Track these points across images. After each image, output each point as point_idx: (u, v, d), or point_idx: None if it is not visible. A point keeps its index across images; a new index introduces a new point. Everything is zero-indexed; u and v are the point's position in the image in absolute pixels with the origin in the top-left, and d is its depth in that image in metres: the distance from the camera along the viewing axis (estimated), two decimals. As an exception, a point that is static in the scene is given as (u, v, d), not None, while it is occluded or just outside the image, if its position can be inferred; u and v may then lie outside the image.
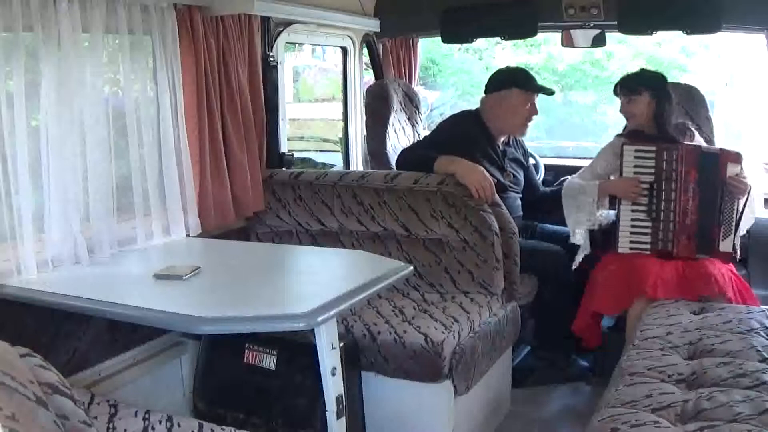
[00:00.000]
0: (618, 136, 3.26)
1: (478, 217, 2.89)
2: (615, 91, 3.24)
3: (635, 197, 3.04)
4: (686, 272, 2.91)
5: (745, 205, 3.01)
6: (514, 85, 3.35)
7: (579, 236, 3.18)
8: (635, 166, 3.06)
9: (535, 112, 3.39)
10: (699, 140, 3.25)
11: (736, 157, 3.01)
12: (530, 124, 3.42)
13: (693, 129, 3.28)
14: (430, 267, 3.00)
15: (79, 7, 2.29)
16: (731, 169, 2.98)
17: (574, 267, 3.19)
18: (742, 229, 3.08)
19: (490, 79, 3.47)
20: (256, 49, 3.09)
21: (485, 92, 3.45)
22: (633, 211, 3.06)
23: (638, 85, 3.14)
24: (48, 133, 2.27)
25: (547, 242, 3.46)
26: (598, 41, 3.95)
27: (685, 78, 6.80)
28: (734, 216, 3.00)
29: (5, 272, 2.17)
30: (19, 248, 2.18)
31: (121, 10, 2.45)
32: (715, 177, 2.98)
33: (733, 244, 3.01)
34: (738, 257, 3.09)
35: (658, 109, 3.13)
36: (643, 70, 3.27)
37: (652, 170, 3.04)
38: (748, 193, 3.00)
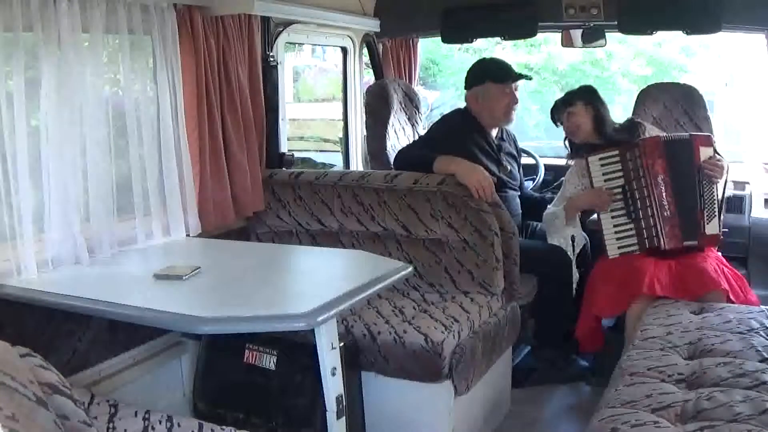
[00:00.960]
0: (572, 158, 3.31)
1: (478, 217, 2.89)
2: (553, 119, 3.33)
3: (606, 206, 3.08)
4: (678, 270, 2.92)
5: (725, 185, 3.04)
6: (487, 78, 3.37)
7: (570, 252, 3.24)
8: (604, 174, 3.10)
9: (516, 101, 3.40)
10: (655, 132, 3.27)
11: (707, 140, 3.05)
12: (514, 112, 3.42)
13: (645, 123, 3.32)
14: (430, 267, 2.99)
15: (79, 7, 2.29)
16: (704, 152, 3.00)
17: (575, 284, 3.23)
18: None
19: (467, 74, 3.49)
20: (256, 49, 3.09)
21: (465, 88, 3.47)
22: (613, 217, 3.09)
23: (570, 98, 3.26)
24: (48, 133, 2.27)
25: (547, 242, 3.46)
26: (589, 38, 3.93)
27: (685, 78, 6.81)
28: (715, 198, 3.02)
29: (5, 272, 2.17)
30: (19, 248, 2.18)
31: (121, 10, 2.45)
32: (688, 162, 3.02)
33: (719, 225, 3.03)
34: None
35: (597, 113, 3.21)
36: (573, 89, 3.39)
37: (621, 173, 3.07)
38: (727, 172, 3.03)
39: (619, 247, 3.07)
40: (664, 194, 3.03)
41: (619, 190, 3.07)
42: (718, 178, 3.01)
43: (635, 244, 3.06)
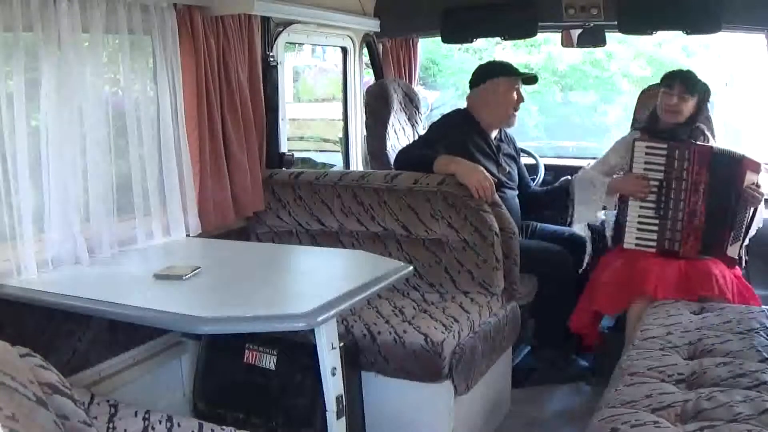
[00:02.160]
0: (635, 130, 3.26)
1: (478, 217, 2.89)
2: (666, 83, 3.11)
3: (644, 196, 3.04)
4: (688, 271, 2.90)
5: (754, 214, 3.01)
6: (495, 74, 3.38)
7: (579, 228, 3.21)
8: (645, 163, 3.05)
9: (521, 100, 3.41)
10: (712, 143, 3.24)
11: (757, 167, 2.99)
12: (516, 113, 3.42)
13: (707, 133, 3.26)
14: (430, 267, 2.99)
15: (79, 7, 2.29)
16: (750, 177, 2.96)
17: (580, 270, 3.20)
18: (751, 232, 3.08)
19: (473, 74, 3.49)
20: (256, 49, 3.09)
21: (470, 88, 3.46)
22: (641, 207, 3.05)
23: (695, 87, 3.10)
24: (48, 133, 2.27)
25: (547, 242, 3.47)
26: (585, 41, 3.92)
27: (685, 78, 6.78)
28: (745, 223, 3.00)
29: (5, 272, 2.17)
30: (19, 248, 2.18)
31: (121, 10, 2.45)
32: (730, 181, 2.97)
33: (740, 250, 3.01)
34: (744, 264, 3.09)
35: (696, 115, 3.12)
36: (695, 74, 3.19)
37: (662, 168, 3.03)
38: (760, 204, 3.00)
39: (637, 238, 3.04)
40: (699, 203, 2.99)
41: (656, 183, 3.04)
42: (755, 204, 2.98)
43: (654, 240, 3.03)
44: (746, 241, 3.07)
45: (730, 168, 2.98)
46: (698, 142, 3.11)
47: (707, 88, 3.17)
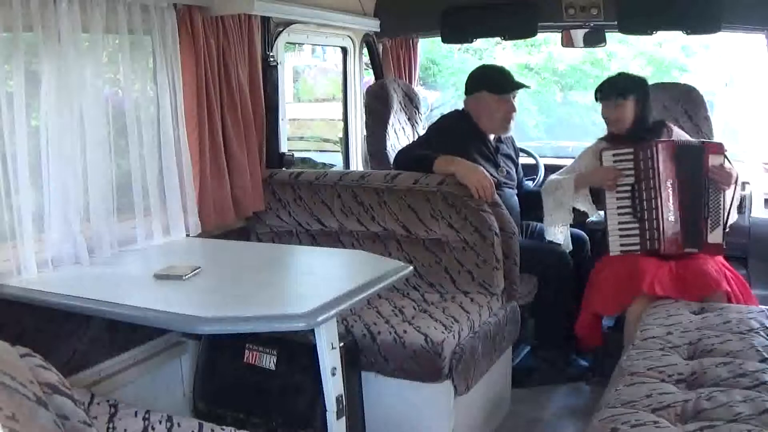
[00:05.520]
0: (601, 139, 3.29)
1: (478, 217, 2.89)
2: (597, 97, 3.19)
3: (612, 185, 3.06)
4: (679, 272, 2.91)
5: (734, 193, 3.01)
6: (484, 88, 3.34)
7: (553, 233, 3.22)
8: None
9: (513, 110, 3.37)
10: (680, 134, 3.25)
11: (718, 148, 3.02)
12: (512, 121, 3.39)
13: (671, 125, 3.28)
14: (430, 267, 2.99)
15: (79, 7, 2.29)
16: (714, 160, 2.98)
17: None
18: (733, 214, 3.08)
19: (467, 80, 3.47)
20: (256, 49, 3.09)
21: (465, 94, 3.45)
22: (619, 214, 3.08)
23: (626, 90, 3.12)
24: (48, 132, 2.27)
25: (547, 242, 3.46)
26: (590, 41, 3.93)
27: (685, 78, 6.80)
28: (721, 207, 3.00)
29: (5, 272, 2.17)
30: (19, 248, 2.18)
31: (121, 10, 2.45)
32: (697, 169, 2.99)
33: (723, 235, 3.00)
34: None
35: (642, 112, 3.14)
36: (624, 74, 3.27)
37: (632, 171, 3.06)
38: (736, 181, 3.01)
39: (621, 245, 3.06)
40: (670, 198, 3.01)
41: (629, 188, 3.06)
42: (725, 186, 2.98)
43: (637, 244, 3.05)
44: (731, 219, 3.05)
45: (694, 156, 3.01)
46: (662, 139, 3.12)
47: (642, 82, 3.19)
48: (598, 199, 3.18)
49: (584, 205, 3.21)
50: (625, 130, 3.16)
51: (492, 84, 3.35)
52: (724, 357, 2.23)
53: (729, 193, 3.00)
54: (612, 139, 3.20)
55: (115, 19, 2.44)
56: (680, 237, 3.01)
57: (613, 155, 3.09)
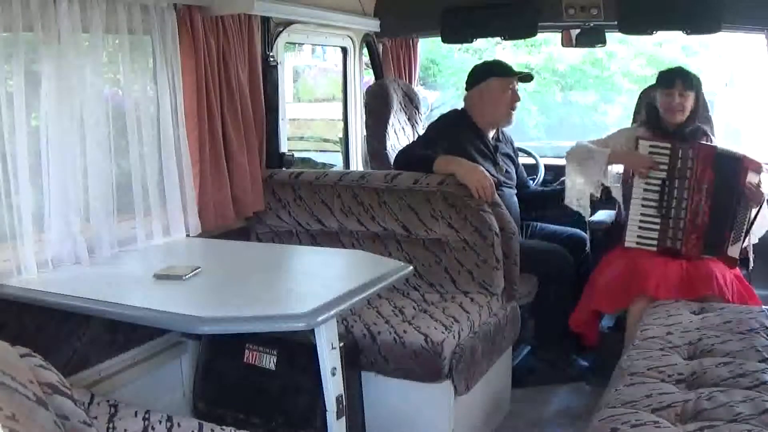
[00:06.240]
0: (639, 125, 3.26)
1: (478, 217, 2.88)
2: (665, 83, 3.10)
3: (645, 173, 3.03)
4: (689, 271, 2.91)
5: (757, 214, 3.01)
6: (490, 74, 3.38)
7: (571, 200, 3.17)
8: None
9: (517, 98, 3.40)
10: (715, 143, 3.24)
11: (758, 167, 3.00)
12: (515, 112, 3.42)
13: (709, 133, 3.26)
14: (430, 267, 2.99)
15: (79, 7, 2.29)
16: (751, 177, 2.97)
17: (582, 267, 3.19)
18: (755, 237, 3.08)
19: (469, 75, 3.49)
20: (256, 49, 3.09)
21: (466, 89, 3.47)
22: (643, 205, 3.05)
23: (693, 81, 3.10)
24: (48, 133, 2.27)
25: (547, 242, 3.47)
26: (583, 42, 3.92)
27: (685, 78, 6.78)
28: (746, 223, 3.00)
29: (5, 272, 2.17)
30: (19, 248, 2.18)
31: (121, 10, 2.45)
32: (733, 181, 2.97)
33: (741, 250, 3.01)
34: (750, 265, 3.09)
35: (696, 109, 3.12)
36: (688, 68, 3.21)
37: (666, 167, 3.04)
38: (761, 204, 3.00)
39: (638, 237, 3.04)
40: (702, 202, 2.99)
41: (659, 182, 3.04)
42: (755, 205, 2.98)
43: (655, 239, 3.03)
44: (754, 240, 3.07)
45: (733, 168, 2.99)
46: (702, 142, 3.12)
47: (699, 79, 3.18)
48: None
49: (609, 182, 3.16)
50: (675, 124, 3.11)
51: (499, 69, 3.41)
52: (724, 357, 2.23)
53: (754, 212, 3.00)
54: (652, 129, 3.16)
55: (115, 19, 2.44)
56: (702, 242, 3.00)
57: (651, 146, 3.06)
